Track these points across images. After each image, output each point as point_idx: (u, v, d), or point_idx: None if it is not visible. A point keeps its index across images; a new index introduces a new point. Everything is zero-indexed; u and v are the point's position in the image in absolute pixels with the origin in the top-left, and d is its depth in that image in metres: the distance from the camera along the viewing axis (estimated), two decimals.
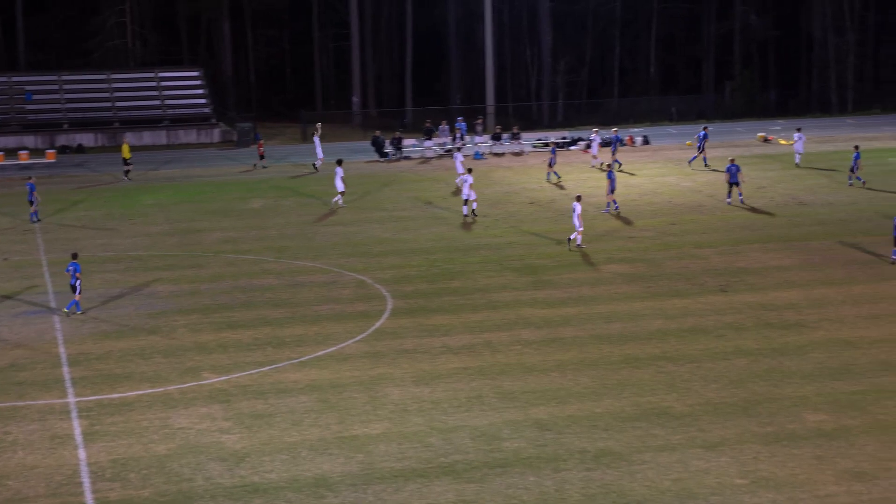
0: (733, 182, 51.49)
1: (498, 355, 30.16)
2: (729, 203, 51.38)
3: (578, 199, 43.69)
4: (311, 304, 35.65)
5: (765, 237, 44.31)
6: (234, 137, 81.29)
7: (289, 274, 39.96)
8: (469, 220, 49.45)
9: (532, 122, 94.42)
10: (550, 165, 59.98)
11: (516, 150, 73.09)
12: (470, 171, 51.27)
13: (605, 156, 65.67)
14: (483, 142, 74.18)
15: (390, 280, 38.71)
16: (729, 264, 39.96)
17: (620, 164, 62.90)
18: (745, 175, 56.73)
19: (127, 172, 64.36)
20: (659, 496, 21.26)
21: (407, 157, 71.54)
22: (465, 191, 49.65)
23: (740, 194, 51.81)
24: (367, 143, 73.72)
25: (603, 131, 72.15)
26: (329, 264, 41.29)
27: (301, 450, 23.83)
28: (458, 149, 62.25)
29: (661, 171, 63.49)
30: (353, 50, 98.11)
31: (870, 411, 25.18)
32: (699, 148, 63.61)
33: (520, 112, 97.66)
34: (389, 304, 35.53)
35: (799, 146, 64.41)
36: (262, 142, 69.24)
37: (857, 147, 58.08)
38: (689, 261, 40.70)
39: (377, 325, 33.29)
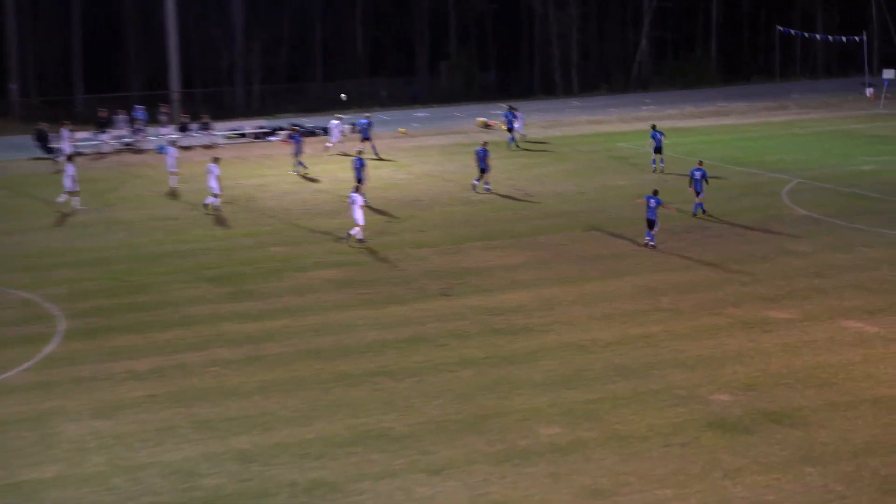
0: (482, 168, 53.51)
1: (192, 379, 29.61)
2: (476, 188, 53.54)
3: (357, 189, 44.36)
4: None
5: (489, 233, 45.41)
6: None
7: None
8: (208, 211, 50.48)
9: (225, 111, 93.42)
10: (296, 155, 59.82)
11: (207, 143, 72.11)
12: (217, 160, 51.82)
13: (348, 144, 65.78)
14: (168, 133, 72.81)
15: (63, 297, 37.40)
16: (451, 265, 40.71)
17: (377, 153, 64.62)
18: (467, 166, 58.09)
19: None
20: None
21: (79, 153, 69.32)
22: (213, 184, 50.61)
23: (487, 183, 53.67)
24: (28, 138, 71.00)
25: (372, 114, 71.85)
26: None
27: None
28: (174, 143, 61.03)
29: (371, 162, 63.98)
30: (7, 30, 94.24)
31: (606, 421, 26.14)
32: (364, 138, 65.74)
33: (211, 99, 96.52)
34: (62, 326, 34.32)
35: (518, 125, 67.46)
36: None
37: (654, 126, 60.02)
38: (406, 263, 41.21)
39: (47, 350, 32.08)
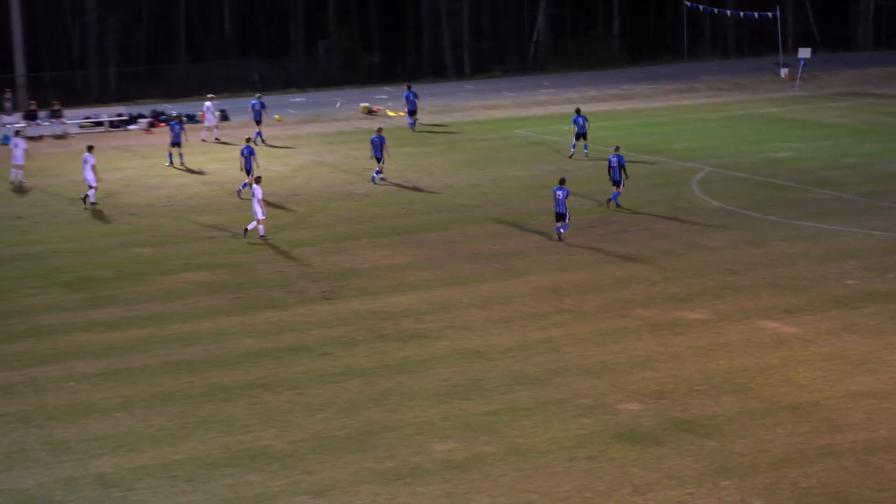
0: (378, 157, 54.20)
1: (45, 395, 29.25)
2: (375, 181, 54.20)
3: (258, 180, 44.33)
4: None
5: (374, 230, 45.46)
6: None
7: None
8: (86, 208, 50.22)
9: (78, 97, 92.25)
10: (175, 145, 59.17)
11: (58, 132, 71.20)
12: (91, 148, 51.67)
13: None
14: (14, 122, 71.66)
15: None
16: (333, 266, 40.70)
17: (263, 140, 65.46)
18: (349, 157, 58.14)
19: None
20: None
21: None
22: (88, 176, 50.53)
23: (379, 172, 54.35)
24: None
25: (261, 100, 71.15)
26: None
27: None
28: (18, 132, 60.02)
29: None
30: None
31: (505, 434, 26.32)
32: (257, 121, 66.97)
33: (62, 83, 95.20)
34: None
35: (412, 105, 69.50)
36: None
37: (578, 110, 60.58)
38: (284, 264, 41.11)
39: None
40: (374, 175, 54.36)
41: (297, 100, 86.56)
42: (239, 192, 51.87)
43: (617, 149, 47.97)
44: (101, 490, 24.05)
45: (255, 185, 44.01)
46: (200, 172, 58.15)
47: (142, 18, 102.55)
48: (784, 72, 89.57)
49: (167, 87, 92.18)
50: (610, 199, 47.68)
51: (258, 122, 67.00)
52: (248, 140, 54.10)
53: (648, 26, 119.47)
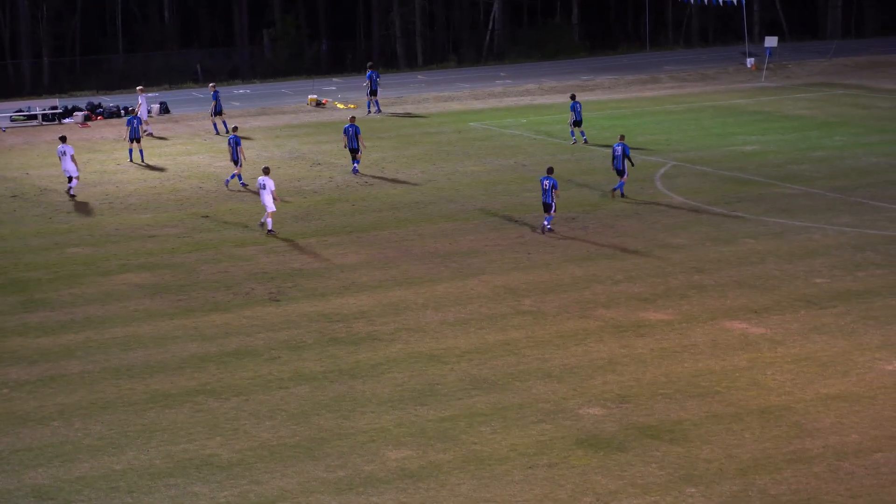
0: (353, 148, 54.64)
1: None
2: (357, 171, 54.95)
3: (266, 171, 44.81)
4: None
5: (323, 228, 45.44)
6: None
7: None
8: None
9: (9, 89, 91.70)
10: (133, 140, 58.81)
11: None
12: (64, 139, 52.40)
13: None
14: None
15: None
16: (281, 265, 40.67)
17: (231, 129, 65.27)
18: (297, 150, 58.06)
19: None
20: None
21: None
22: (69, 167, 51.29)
23: (357, 161, 55.07)
24: None
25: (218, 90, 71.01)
26: None
27: None
28: None
29: (186, 147, 63.66)
30: None
31: (462, 441, 26.40)
32: (218, 112, 66.93)
33: None
34: None
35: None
36: None
37: (573, 97, 62.38)
38: (229, 263, 41.05)
39: None
40: (355, 166, 55.03)
41: (242, 91, 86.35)
42: (227, 182, 52.56)
43: (622, 138, 48.66)
44: (38, 503, 23.95)
45: (265, 177, 44.11)
46: (162, 169, 57.83)
47: (76, 6, 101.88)
48: (750, 61, 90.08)
49: (104, 78, 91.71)
50: (615, 189, 48.52)
51: (220, 113, 66.79)
52: (235, 129, 54.66)
53: (609, 14, 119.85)
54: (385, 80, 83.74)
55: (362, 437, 26.65)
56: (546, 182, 43.08)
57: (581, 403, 28.13)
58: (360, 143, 54.55)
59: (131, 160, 59.39)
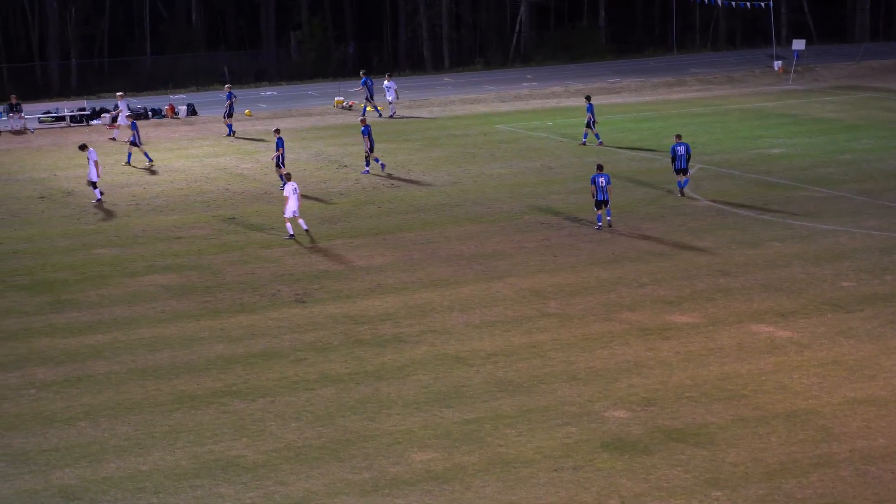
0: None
1: (4, 404, 29.19)
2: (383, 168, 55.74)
3: (288, 177, 45.24)
4: None
5: (349, 230, 45.47)
6: None
7: None
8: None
9: (38, 90, 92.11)
10: (134, 144, 58.90)
11: (18, 127, 71.00)
12: (84, 146, 52.15)
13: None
14: None
15: None
16: (307, 267, 40.70)
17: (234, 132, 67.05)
18: (322, 152, 58.13)
19: None
20: None
21: None
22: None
23: (378, 160, 55.71)
24: None
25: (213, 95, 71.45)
26: None
27: None
28: None
29: (213, 149, 63.78)
30: None
31: (487, 443, 26.38)
32: (229, 114, 67.66)
33: (19, 76, 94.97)
34: None
35: (391, 94, 71.23)
36: None
37: (588, 98, 62.84)
38: (255, 265, 41.10)
39: None
40: (381, 164, 56.03)
41: (269, 94, 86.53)
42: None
43: (679, 137, 49.27)
44: (65, 503, 24.01)
45: (289, 183, 44.23)
46: (155, 172, 57.97)
47: (104, 8, 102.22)
48: (777, 64, 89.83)
49: (132, 79, 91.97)
50: (682, 189, 49.22)
51: (230, 116, 67.24)
52: (277, 132, 54.75)
53: (636, 17, 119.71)
54: (411, 82, 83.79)
55: (387, 439, 26.65)
56: (601, 179, 43.70)
57: (606, 406, 28.08)
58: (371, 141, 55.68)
59: (130, 163, 59.23)
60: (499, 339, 33.00)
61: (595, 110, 62.10)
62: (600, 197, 43.78)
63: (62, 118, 73.66)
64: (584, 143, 61.56)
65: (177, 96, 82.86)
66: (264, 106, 79.24)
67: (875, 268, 38.49)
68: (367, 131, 55.33)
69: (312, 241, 43.78)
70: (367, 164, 55.83)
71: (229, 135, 66.70)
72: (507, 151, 60.81)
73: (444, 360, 31.48)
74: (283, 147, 52.76)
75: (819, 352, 31.24)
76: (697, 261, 39.98)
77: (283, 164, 52.33)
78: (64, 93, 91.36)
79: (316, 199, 50.58)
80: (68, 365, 31.85)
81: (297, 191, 44.03)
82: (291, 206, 43.83)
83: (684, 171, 49.09)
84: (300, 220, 44.24)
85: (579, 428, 26.91)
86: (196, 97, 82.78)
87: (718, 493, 23.62)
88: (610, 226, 44.07)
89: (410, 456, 25.79)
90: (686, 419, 27.22)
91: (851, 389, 28.68)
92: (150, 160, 59.27)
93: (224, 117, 67.87)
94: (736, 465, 24.82)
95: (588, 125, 61.84)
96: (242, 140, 65.88)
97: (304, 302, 36.90)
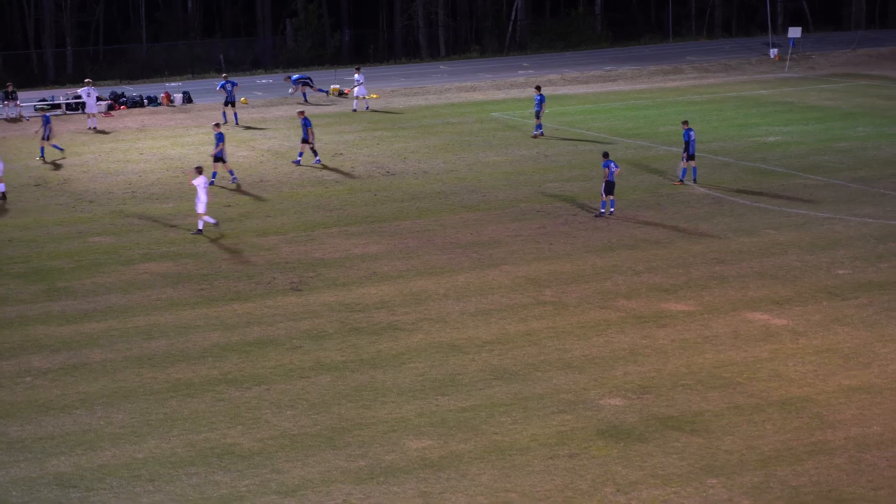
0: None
1: (0, 392, 29.19)
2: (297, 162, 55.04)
3: (199, 171, 43.67)
4: None
5: (345, 218, 45.47)
6: None
7: None
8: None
9: (33, 78, 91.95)
10: (45, 138, 58.46)
11: (13, 115, 70.93)
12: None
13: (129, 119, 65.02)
14: None
15: None
16: (302, 255, 40.71)
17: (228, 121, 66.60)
18: (318, 139, 58.11)
19: None
20: None
21: None
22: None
23: (315, 153, 55.32)
24: None
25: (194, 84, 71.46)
26: None
27: None
28: None
29: (209, 137, 63.65)
30: None
31: (483, 431, 26.41)
32: (229, 102, 67.82)
33: (14, 64, 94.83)
34: None
35: (361, 90, 70.48)
36: None
37: (538, 88, 62.33)
38: (251, 253, 41.10)
39: None
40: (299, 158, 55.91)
41: (264, 81, 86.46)
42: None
43: (686, 123, 49.64)
44: (60, 491, 24.02)
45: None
46: (58, 165, 58.01)
47: None
48: (773, 52, 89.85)
49: (128, 67, 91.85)
50: (694, 178, 49.47)
51: (233, 104, 67.17)
52: (301, 113, 55.72)
53: (632, 5, 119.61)
54: (407, 69, 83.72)
55: (383, 427, 26.67)
56: (613, 165, 43.99)
57: (602, 394, 28.11)
58: (309, 136, 55.29)
59: (43, 157, 58.52)
60: (494, 327, 33.02)
61: (544, 103, 61.31)
62: (610, 180, 43.89)
63: (57, 106, 73.50)
64: (539, 135, 61.04)
65: (172, 84, 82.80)
66: (260, 94, 79.19)
67: (870, 255, 38.54)
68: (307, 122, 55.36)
69: (221, 234, 43.74)
70: (316, 154, 55.63)
71: (236, 124, 66.51)
72: (503, 139, 60.80)
73: (439, 348, 31.50)
74: (223, 142, 51.88)
75: (814, 339, 31.29)
76: (693, 249, 40.00)
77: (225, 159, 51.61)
78: (59, 80, 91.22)
79: (311, 187, 50.57)
80: (64, 353, 31.84)
81: (207, 185, 43.41)
82: (203, 199, 43.25)
83: (693, 158, 49.25)
84: (206, 216, 43.71)
85: (574, 416, 26.94)
86: (192, 85, 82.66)
87: (713, 481, 23.66)
88: (611, 214, 44.13)
89: (406, 444, 25.82)
90: (681, 407, 27.26)
91: (846, 377, 28.73)
92: (45, 158, 58.34)
93: (224, 105, 67.68)
94: (731, 452, 24.85)
95: (537, 115, 61.07)
96: (238, 128, 65.80)
97: (299, 290, 36.90)
